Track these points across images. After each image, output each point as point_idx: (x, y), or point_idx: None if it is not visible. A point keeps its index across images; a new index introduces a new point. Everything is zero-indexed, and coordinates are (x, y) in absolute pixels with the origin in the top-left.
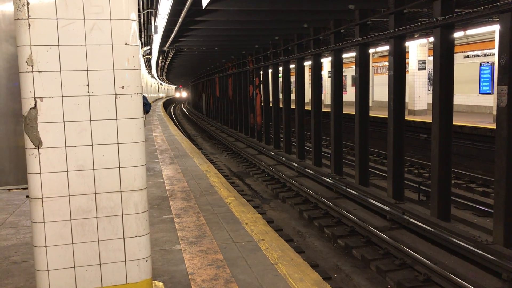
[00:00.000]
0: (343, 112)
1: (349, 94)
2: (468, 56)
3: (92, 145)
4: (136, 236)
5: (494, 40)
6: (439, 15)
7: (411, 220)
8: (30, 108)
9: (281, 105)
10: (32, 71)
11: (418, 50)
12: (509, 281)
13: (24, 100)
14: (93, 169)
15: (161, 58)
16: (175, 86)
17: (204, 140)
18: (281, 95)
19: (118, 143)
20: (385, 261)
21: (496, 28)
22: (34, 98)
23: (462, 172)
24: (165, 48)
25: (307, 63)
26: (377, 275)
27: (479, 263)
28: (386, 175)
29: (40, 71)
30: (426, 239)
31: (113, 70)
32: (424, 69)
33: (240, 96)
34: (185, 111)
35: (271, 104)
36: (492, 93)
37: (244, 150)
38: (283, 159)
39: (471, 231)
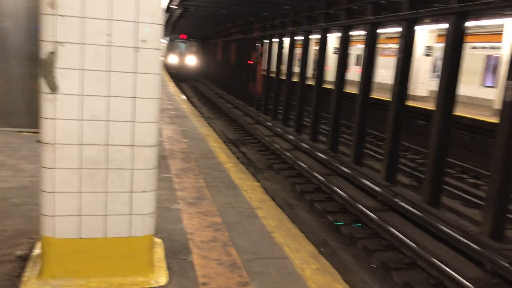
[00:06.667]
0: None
1: (351, 73)
2: (475, 47)
3: (108, 96)
4: (143, 192)
5: (501, 34)
6: (455, 2)
7: (401, 203)
8: (50, 52)
9: (283, 77)
10: (54, 14)
11: (427, 35)
12: (492, 272)
13: (43, 43)
14: (107, 120)
15: (167, 16)
16: (167, 40)
17: (202, 104)
18: (283, 67)
19: (134, 97)
20: (372, 240)
21: (505, 21)
22: (54, 42)
23: (455, 162)
24: (172, 6)
25: (313, 37)
26: (363, 254)
27: (464, 252)
28: (379, 156)
29: (63, 15)
30: (414, 224)
31: (136, 22)
32: (430, 55)
33: (242, 63)
34: None
35: (273, 75)
36: (494, 86)
37: (241, 118)
38: (280, 131)
39: (459, 220)
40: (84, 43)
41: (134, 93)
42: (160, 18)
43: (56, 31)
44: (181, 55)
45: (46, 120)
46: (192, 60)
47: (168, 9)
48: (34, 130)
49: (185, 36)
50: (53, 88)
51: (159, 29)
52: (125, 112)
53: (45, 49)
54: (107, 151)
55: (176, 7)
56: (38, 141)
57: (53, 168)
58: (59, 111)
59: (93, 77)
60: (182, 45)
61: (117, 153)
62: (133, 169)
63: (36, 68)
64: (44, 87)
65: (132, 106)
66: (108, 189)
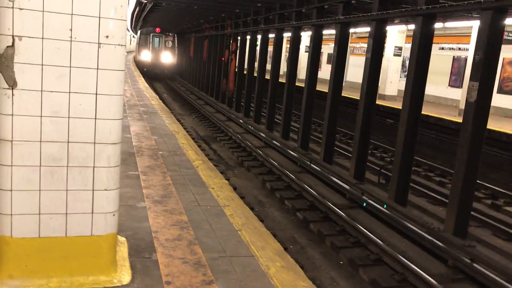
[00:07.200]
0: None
1: (323, 71)
2: (443, 48)
3: (69, 92)
4: (105, 190)
5: (469, 36)
6: (423, 3)
7: (369, 201)
8: (7, 46)
9: (255, 74)
10: (13, 7)
11: (396, 36)
12: (454, 268)
13: (1, 37)
14: (68, 117)
15: (137, 9)
16: (138, 34)
17: (173, 100)
18: (256, 64)
19: (96, 94)
20: (340, 237)
21: (473, 24)
22: (13, 36)
23: (422, 160)
24: (143, 0)
25: (286, 35)
26: (331, 251)
27: (429, 249)
28: (349, 154)
29: (22, 9)
30: (381, 221)
31: (99, 17)
32: (400, 55)
33: (214, 60)
34: None
35: (245, 72)
36: (461, 87)
37: (213, 115)
38: (252, 128)
39: (424, 218)
40: (44, 38)
41: (97, 90)
42: (124, 13)
43: (15, 25)
44: (156, 50)
45: (4, 116)
46: (167, 57)
47: (139, 3)
48: None
49: (160, 30)
50: (11, 83)
51: (123, 25)
52: (87, 109)
53: (3, 43)
54: (69, 149)
55: (146, 0)
56: None
57: (10, 166)
58: (18, 107)
59: (53, 72)
60: (157, 39)
61: (79, 151)
62: (95, 167)
63: None
64: (1, 82)
65: (94, 102)
66: (69, 187)
